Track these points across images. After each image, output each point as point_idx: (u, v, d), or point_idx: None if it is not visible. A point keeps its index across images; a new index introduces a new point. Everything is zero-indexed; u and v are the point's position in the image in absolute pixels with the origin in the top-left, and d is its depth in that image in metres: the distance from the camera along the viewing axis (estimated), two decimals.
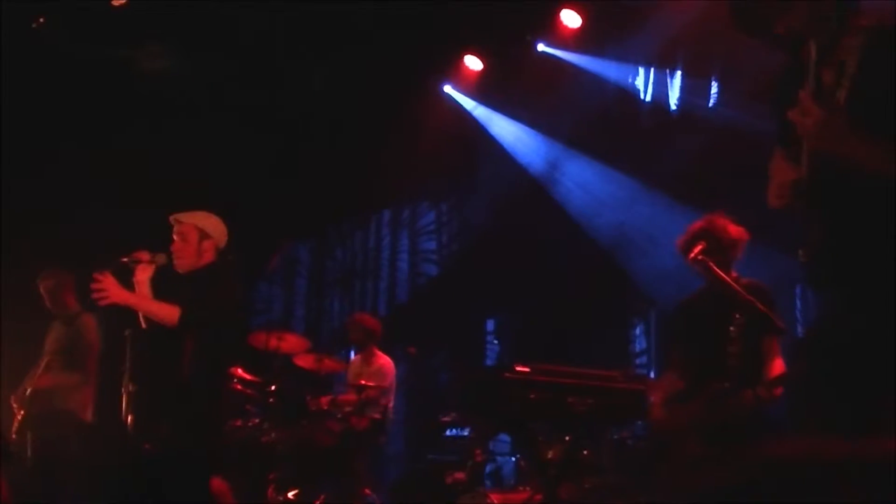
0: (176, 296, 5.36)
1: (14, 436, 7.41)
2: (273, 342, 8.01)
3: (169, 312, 5.20)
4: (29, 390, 7.50)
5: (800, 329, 7.36)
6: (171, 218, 5.54)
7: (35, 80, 9.11)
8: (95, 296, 5.20)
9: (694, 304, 5.29)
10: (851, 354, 2.84)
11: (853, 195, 2.83)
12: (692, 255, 4.89)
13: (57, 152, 9.63)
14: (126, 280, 5.39)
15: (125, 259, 5.44)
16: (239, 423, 7.53)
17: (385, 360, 8.75)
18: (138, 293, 5.40)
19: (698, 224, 5.09)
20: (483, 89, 10.67)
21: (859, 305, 2.86)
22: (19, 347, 8.03)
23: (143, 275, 5.43)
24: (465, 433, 7.94)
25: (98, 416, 7.48)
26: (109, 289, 5.17)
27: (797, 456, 1.13)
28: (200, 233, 5.47)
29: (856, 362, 2.83)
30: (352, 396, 8.31)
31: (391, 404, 8.57)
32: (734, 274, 5.00)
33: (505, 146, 10.64)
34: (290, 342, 8.38)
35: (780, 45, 3.02)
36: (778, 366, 4.83)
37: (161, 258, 5.45)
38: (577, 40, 9.56)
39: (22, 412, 7.49)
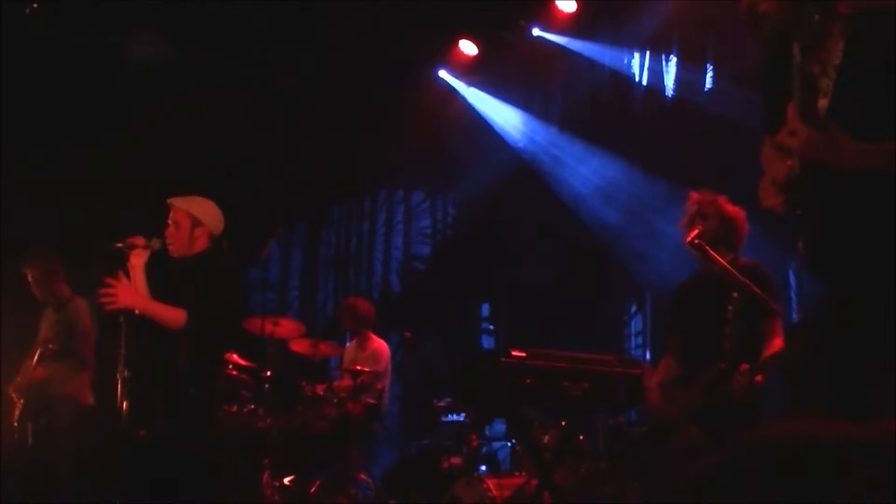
0: (170, 282, 5.36)
1: (15, 424, 7.41)
2: (268, 327, 7.99)
3: (175, 316, 5.20)
4: (26, 380, 7.48)
5: (794, 312, 7.38)
6: (168, 201, 5.54)
7: (25, 70, 9.07)
8: (103, 300, 5.18)
9: (690, 287, 5.28)
10: (846, 340, 2.85)
11: (846, 189, 2.82)
12: (688, 239, 4.88)
13: (50, 141, 9.59)
14: (120, 265, 5.38)
15: (119, 244, 5.42)
16: (234, 408, 7.52)
17: (379, 344, 8.75)
18: (133, 280, 5.38)
19: (693, 203, 5.08)
20: (478, 74, 10.65)
21: (854, 293, 2.86)
22: (15, 336, 8.01)
23: (138, 260, 5.42)
24: (461, 418, 7.95)
25: (98, 400, 7.47)
26: (119, 293, 5.15)
27: (792, 438, 1.12)
28: (193, 220, 5.46)
29: (850, 347, 2.84)
30: (347, 382, 8.32)
31: (387, 388, 8.58)
32: (730, 256, 4.99)
33: (499, 130, 10.63)
34: (286, 327, 8.37)
35: (762, 41, 3.01)
36: (777, 344, 4.81)
37: (156, 243, 5.44)
38: (572, 24, 9.54)
39: (21, 401, 7.48)
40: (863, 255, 2.83)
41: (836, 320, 2.93)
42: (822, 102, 2.82)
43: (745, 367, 4.61)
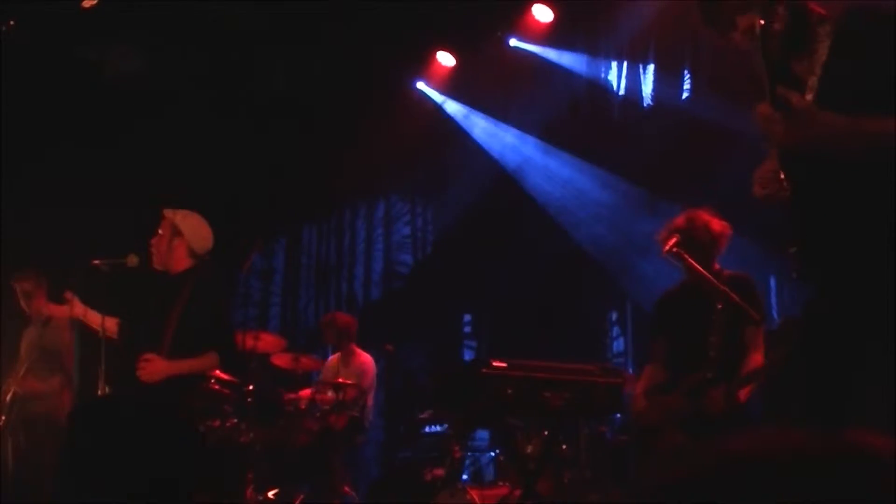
0: (152, 297, 5.37)
1: None
2: (249, 342, 7.96)
3: (210, 364, 5.29)
4: (9, 397, 7.45)
5: (775, 319, 7.41)
6: (163, 212, 5.57)
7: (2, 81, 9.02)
8: (141, 373, 5.14)
9: (675, 296, 5.31)
10: (830, 342, 2.85)
11: (828, 183, 2.83)
12: (666, 248, 4.91)
13: (27, 153, 9.53)
14: (95, 284, 5.38)
15: (97, 261, 5.42)
16: (217, 423, 7.49)
17: (366, 358, 8.72)
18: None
19: (679, 219, 5.10)
20: (455, 85, 10.66)
21: (842, 295, 2.86)
22: (10, 343, 7.95)
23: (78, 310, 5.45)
24: (443, 429, 7.94)
25: None
26: (152, 368, 5.13)
27: (756, 449, 1.12)
28: (173, 230, 5.46)
29: (835, 350, 2.84)
30: (330, 395, 8.29)
31: (371, 402, 8.56)
32: (717, 266, 5.02)
33: (478, 141, 10.64)
34: (267, 341, 8.34)
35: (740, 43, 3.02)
36: (757, 359, 4.84)
37: (133, 260, 5.44)
38: (548, 34, 9.56)
39: (2, 418, 7.44)
40: (850, 256, 2.83)
41: (821, 323, 2.93)
42: (809, 97, 2.84)
43: (720, 390, 4.65)
